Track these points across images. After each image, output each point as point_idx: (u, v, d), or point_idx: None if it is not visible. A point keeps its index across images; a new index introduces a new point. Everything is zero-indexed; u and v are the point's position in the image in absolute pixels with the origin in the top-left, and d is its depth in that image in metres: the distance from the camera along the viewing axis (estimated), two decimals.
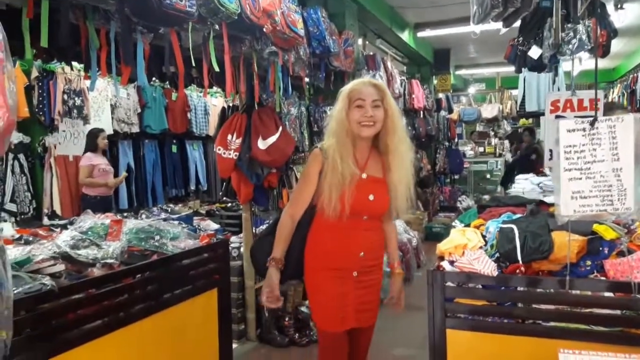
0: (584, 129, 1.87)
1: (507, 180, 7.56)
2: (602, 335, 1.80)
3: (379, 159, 2.17)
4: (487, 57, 10.25)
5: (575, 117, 2.27)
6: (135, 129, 5.89)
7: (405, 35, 7.29)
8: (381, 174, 2.16)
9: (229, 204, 5.73)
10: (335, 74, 4.59)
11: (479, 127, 11.58)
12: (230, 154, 3.38)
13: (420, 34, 7.74)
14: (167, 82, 4.05)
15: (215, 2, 2.56)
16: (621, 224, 2.12)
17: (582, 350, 1.54)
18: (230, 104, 4.22)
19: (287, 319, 3.82)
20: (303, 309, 3.93)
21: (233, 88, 3.23)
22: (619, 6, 6.49)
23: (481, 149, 10.91)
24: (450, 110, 9.75)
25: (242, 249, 3.92)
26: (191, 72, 3.50)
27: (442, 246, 2.25)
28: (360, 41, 6.08)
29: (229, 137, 3.40)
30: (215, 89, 6.00)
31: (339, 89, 2.22)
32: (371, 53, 5.72)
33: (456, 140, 10.55)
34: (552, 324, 1.87)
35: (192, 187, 6.81)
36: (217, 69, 2.82)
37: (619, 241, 1.96)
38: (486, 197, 6.61)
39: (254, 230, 3.79)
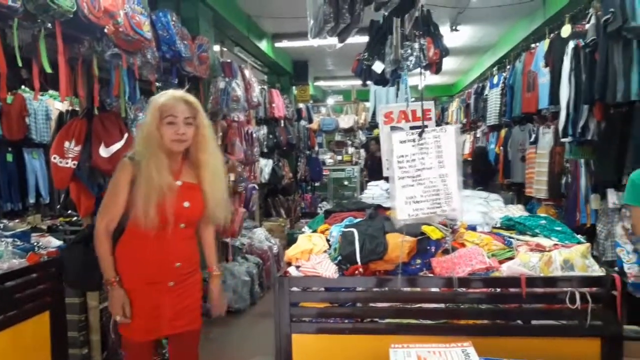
0: (413, 140, 2.03)
1: None
2: (430, 328, 1.96)
3: (193, 167, 2.22)
4: (343, 70, 10.75)
5: (410, 127, 2.46)
6: None
7: (264, 45, 7.37)
8: (196, 180, 2.20)
9: (75, 218, 5.27)
10: (189, 79, 4.47)
11: (338, 137, 12.10)
12: (67, 163, 3.11)
13: (278, 45, 7.87)
14: None
15: None
16: (447, 225, 2.34)
17: (410, 344, 1.66)
18: (70, 108, 3.89)
19: None
20: None
21: (70, 91, 2.98)
22: (454, 28, 7.24)
23: (339, 157, 11.42)
24: (311, 120, 10.05)
25: None
26: (20, 73, 3.17)
27: (290, 252, 2.30)
28: (217, 47, 6.00)
29: (67, 144, 3.12)
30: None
31: (193, 95, 2.19)
32: (228, 60, 5.67)
33: (316, 149, 10.90)
34: (387, 320, 1.99)
35: (32, 200, 6.12)
36: (48, 70, 2.58)
37: (444, 240, 2.16)
38: (345, 202, 6.93)
39: None
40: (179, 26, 3.98)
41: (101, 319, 3.54)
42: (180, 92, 2.19)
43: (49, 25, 2.57)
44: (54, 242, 4.17)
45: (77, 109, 3.61)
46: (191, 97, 2.18)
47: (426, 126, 2.07)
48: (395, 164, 2.03)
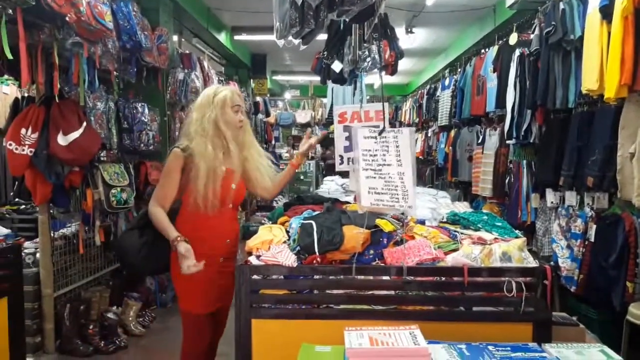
0: (375, 137, 2.17)
1: None
2: (381, 313, 2.10)
3: (229, 154, 2.48)
4: (301, 66, 10.86)
5: (362, 126, 2.60)
6: None
7: (222, 37, 7.37)
8: (233, 166, 2.48)
9: (22, 206, 5.13)
10: (147, 70, 4.46)
11: (294, 131, 12.19)
12: (24, 150, 3.08)
13: (237, 37, 7.88)
14: None
15: None
16: (398, 219, 2.50)
17: (362, 327, 1.80)
18: (26, 94, 3.81)
19: (91, 327, 3.59)
20: (109, 315, 3.74)
21: (29, 78, 2.95)
22: (409, 30, 7.48)
23: (296, 152, 11.49)
24: (268, 114, 10.10)
25: (38, 255, 3.57)
26: None
27: (250, 242, 2.39)
28: (175, 38, 5.98)
29: (23, 131, 3.09)
30: (6, 76, 5.32)
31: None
32: (187, 51, 5.66)
33: (273, 142, 10.95)
34: (342, 306, 2.13)
35: None
36: (10, 56, 2.57)
37: (395, 233, 2.31)
38: (304, 195, 6.98)
39: (52, 235, 3.49)
40: (140, 16, 3.98)
41: (55, 307, 3.53)
42: (233, 87, 2.53)
43: (10, 11, 2.56)
44: (2, 230, 4.09)
45: (32, 95, 3.55)
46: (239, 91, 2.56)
47: (385, 125, 2.21)
48: (360, 156, 2.18)
